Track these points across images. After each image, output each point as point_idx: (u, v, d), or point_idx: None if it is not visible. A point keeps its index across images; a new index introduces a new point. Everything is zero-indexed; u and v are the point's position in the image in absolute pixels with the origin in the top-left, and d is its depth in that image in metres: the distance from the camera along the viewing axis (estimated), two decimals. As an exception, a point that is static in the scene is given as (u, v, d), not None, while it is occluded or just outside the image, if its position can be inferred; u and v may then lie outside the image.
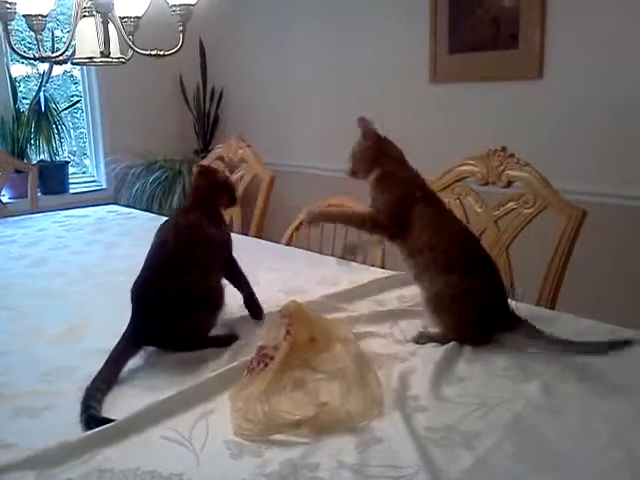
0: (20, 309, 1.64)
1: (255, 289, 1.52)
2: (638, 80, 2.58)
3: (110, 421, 1.02)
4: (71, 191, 4.13)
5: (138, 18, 2.04)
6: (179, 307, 1.28)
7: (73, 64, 2.27)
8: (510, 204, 1.83)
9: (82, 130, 4.35)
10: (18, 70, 3.99)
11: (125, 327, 1.28)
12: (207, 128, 4.48)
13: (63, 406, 1.10)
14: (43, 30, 1.87)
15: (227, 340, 1.35)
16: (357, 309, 1.54)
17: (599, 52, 2.66)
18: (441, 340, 1.32)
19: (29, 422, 1.06)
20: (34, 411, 1.09)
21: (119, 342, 1.25)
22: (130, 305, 1.31)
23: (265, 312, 1.49)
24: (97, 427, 1.00)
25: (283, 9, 3.96)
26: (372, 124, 1.46)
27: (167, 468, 0.91)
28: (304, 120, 3.99)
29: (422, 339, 1.35)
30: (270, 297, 1.58)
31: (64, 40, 1.99)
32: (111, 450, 0.96)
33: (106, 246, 2.30)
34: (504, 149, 1.88)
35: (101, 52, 1.86)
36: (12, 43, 1.83)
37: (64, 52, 1.95)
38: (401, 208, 1.39)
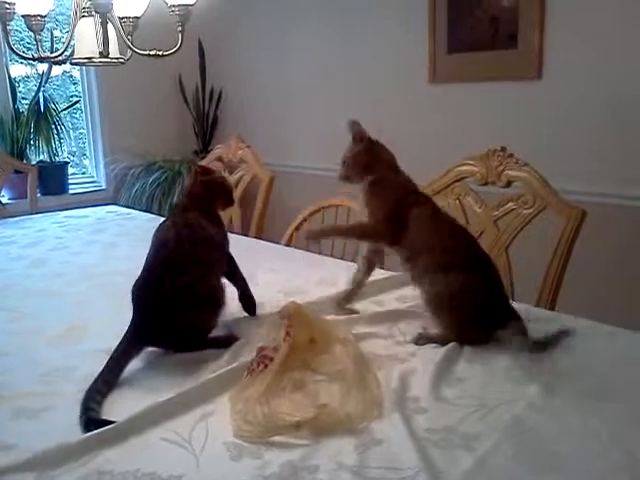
0: (19, 310, 1.63)
1: (255, 289, 1.52)
2: (638, 80, 2.58)
3: (109, 423, 1.02)
4: (70, 192, 4.12)
5: (137, 18, 2.03)
6: (181, 306, 1.28)
7: (72, 64, 2.27)
8: (509, 204, 1.83)
9: (81, 130, 4.35)
10: (17, 70, 3.99)
11: (124, 327, 1.28)
12: (206, 128, 4.48)
13: (62, 407, 1.10)
14: (42, 30, 1.87)
15: (227, 341, 1.34)
16: (357, 310, 1.54)
17: (598, 52, 2.66)
18: (441, 341, 1.32)
19: (28, 423, 1.06)
20: (33, 412, 1.09)
21: (120, 343, 1.24)
22: (130, 306, 1.31)
23: (265, 313, 1.49)
24: (96, 429, 1.00)
25: (282, 9, 3.96)
26: (363, 128, 1.46)
27: (167, 470, 0.91)
28: (303, 120, 3.99)
29: (422, 340, 1.35)
30: (270, 298, 1.58)
31: (63, 40, 1.99)
32: (111, 452, 0.96)
33: (105, 247, 2.30)
34: (503, 149, 1.88)
35: (100, 52, 1.85)
36: (11, 43, 1.83)
37: (63, 52, 1.95)
38: (398, 213, 1.40)
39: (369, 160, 1.45)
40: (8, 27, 1.79)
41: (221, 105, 4.47)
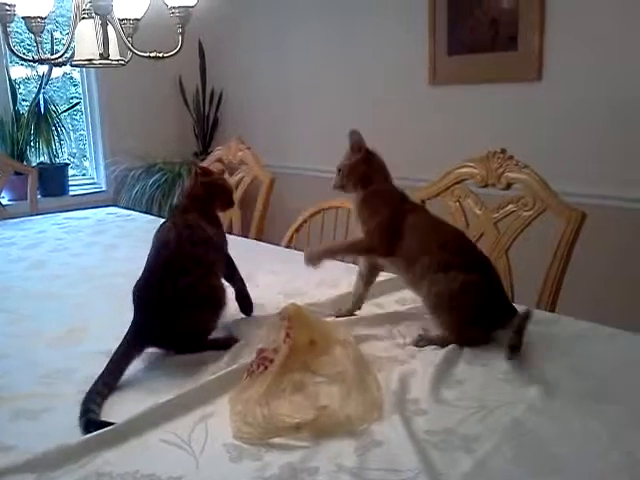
0: (19, 311, 1.63)
1: (255, 291, 1.53)
2: (638, 81, 2.58)
3: (109, 424, 1.02)
4: (71, 193, 4.12)
5: (137, 20, 2.04)
6: (183, 306, 1.28)
7: (72, 66, 2.27)
8: (510, 206, 1.83)
9: (82, 132, 4.35)
10: (17, 72, 3.99)
11: (124, 329, 1.28)
12: (207, 130, 4.48)
13: (62, 409, 1.10)
14: (42, 32, 1.87)
15: (227, 343, 1.34)
16: (357, 312, 1.54)
17: (598, 54, 2.66)
18: (441, 343, 1.32)
19: (28, 425, 1.06)
20: (33, 414, 1.09)
21: (121, 345, 1.24)
22: (129, 307, 1.31)
23: (265, 315, 1.49)
24: (96, 431, 1.00)
25: (282, 11, 3.97)
26: (362, 138, 1.47)
27: (166, 472, 0.91)
28: (304, 122, 3.99)
29: (422, 342, 1.35)
30: (270, 299, 1.58)
31: (63, 42, 1.99)
32: (110, 453, 0.96)
33: (105, 248, 2.30)
34: (503, 151, 1.88)
35: (100, 54, 1.86)
36: (11, 45, 1.84)
37: (63, 54, 1.95)
38: (392, 223, 1.41)
39: (365, 171, 1.47)
40: (8, 29, 1.79)
41: (221, 107, 4.47)
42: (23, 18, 1.81)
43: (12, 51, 1.86)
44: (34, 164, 3.92)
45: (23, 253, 2.24)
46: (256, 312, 1.52)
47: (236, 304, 1.49)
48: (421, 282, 1.37)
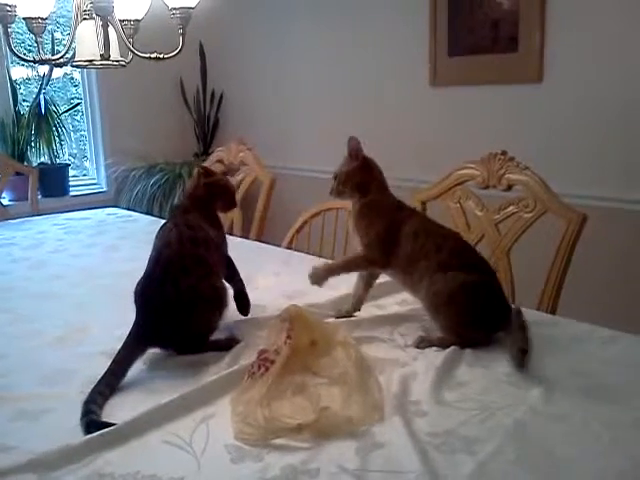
0: (20, 312, 1.63)
1: (255, 293, 1.52)
2: (639, 83, 2.58)
3: (110, 425, 1.02)
4: (71, 194, 4.12)
5: (138, 21, 2.04)
6: (184, 306, 1.28)
7: (73, 67, 2.27)
8: (510, 208, 1.83)
9: (82, 133, 4.35)
10: (18, 73, 3.99)
11: (125, 330, 1.28)
12: (207, 131, 4.48)
13: (63, 409, 1.10)
14: (43, 33, 1.87)
15: (228, 344, 1.35)
16: (358, 313, 1.54)
17: (599, 55, 2.67)
18: (442, 344, 1.32)
19: (29, 425, 1.06)
20: (34, 414, 1.09)
21: (123, 345, 1.24)
22: (131, 307, 1.31)
23: (266, 316, 1.49)
24: (97, 431, 1.00)
25: (283, 12, 3.97)
26: (360, 145, 1.47)
27: (167, 472, 0.91)
28: (304, 123, 3.99)
29: (423, 343, 1.35)
30: (270, 301, 1.58)
31: (64, 43, 1.99)
32: (111, 454, 0.96)
33: (106, 249, 2.30)
34: (504, 152, 1.88)
35: (101, 55, 1.86)
36: (12, 46, 1.84)
37: (64, 55, 1.95)
38: (389, 233, 1.42)
39: (362, 178, 1.47)
40: (9, 29, 1.80)
41: (222, 107, 4.48)
42: (24, 19, 1.81)
43: (13, 52, 1.86)
44: (35, 164, 3.92)
45: (24, 253, 2.24)
46: (257, 313, 1.51)
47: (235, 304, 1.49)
48: (420, 284, 1.38)
